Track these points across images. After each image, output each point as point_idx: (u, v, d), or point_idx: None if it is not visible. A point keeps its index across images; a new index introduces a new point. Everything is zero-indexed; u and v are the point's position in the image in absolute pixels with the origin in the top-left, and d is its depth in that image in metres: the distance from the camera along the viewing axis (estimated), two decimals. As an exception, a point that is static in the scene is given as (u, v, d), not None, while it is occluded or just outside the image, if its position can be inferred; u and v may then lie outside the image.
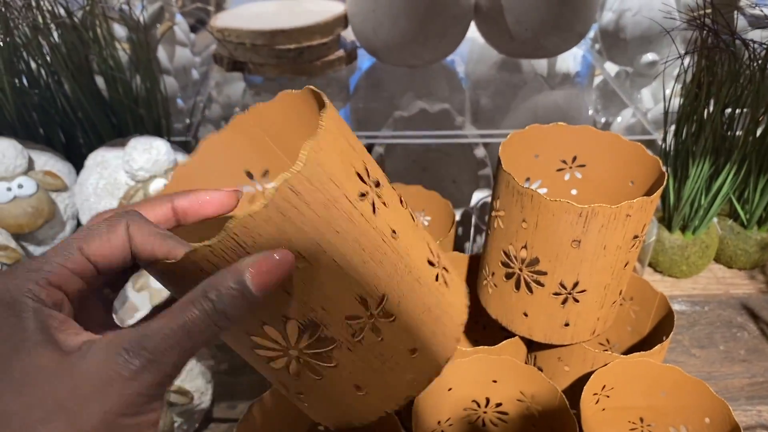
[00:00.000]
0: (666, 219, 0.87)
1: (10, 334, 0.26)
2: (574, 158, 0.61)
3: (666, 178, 0.53)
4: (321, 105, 0.33)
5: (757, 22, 0.87)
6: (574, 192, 0.63)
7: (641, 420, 0.61)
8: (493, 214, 0.56)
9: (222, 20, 0.93)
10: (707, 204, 0.82)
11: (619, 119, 0.97)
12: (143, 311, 0.69)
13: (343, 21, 0.95)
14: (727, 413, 0.53)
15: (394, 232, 0.35)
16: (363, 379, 0.36)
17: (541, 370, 0.64)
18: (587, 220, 0.49)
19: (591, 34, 1.07)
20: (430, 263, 0.38)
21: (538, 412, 0.58)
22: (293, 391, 0.37)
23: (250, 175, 0.42)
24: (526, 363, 0.65)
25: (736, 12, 0.91)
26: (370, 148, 0.97)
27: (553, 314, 0.56)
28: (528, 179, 0.63)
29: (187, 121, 0.91)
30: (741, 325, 0.84)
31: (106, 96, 0.78)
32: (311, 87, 0.35)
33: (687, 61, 0.72)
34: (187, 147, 0.82)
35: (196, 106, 0.93)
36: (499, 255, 0.56)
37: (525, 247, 0.53)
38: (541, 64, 1.10)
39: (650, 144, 0.85)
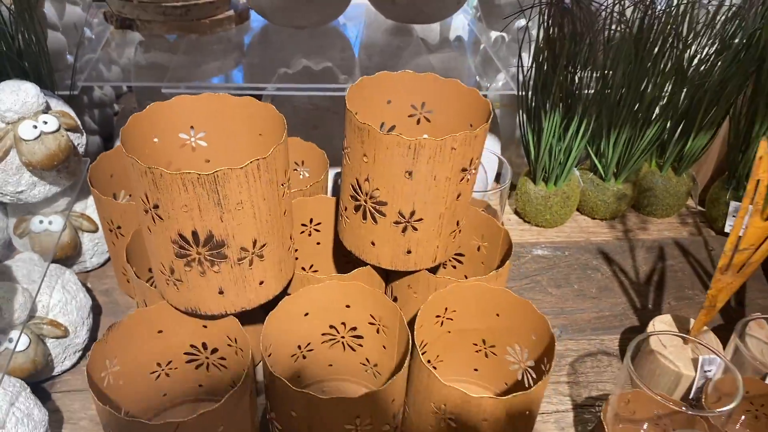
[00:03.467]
0: (531, 172, 0.94)
1: None
2: (423, 104, 0.67)
3: (491, 116, 0.59)
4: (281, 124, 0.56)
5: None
6: (425, 137, 0.69)
7: (484, 342, 0.68)
8: (343, 151, 0.61)
9: (112, -23, 0.95)
10: (564, 156, 0.89)
11: (496, 83, 1.03)
12: (25, 253, 0.72)
13: (232, -19, 0.98)
14: (546, 328, 0.60)
15: (285, 212, 0.57)
16: (226, 286, 0.56)
17: (396, 299, 0.70)
18: (416, 152, 0.55)
19: (475, 2, 1.13)
20: (290, 238, 0.61)
21: (386, 332, 0.64)
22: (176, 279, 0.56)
23: (192, 128, 0.62)
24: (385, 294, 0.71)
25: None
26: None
27: (396, 242, 0.61)
28: (383, 124, 0.68)
29: (79, 78, 0.93)
30: (596, 267, 0.92)
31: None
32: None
33: (536, 22, 0.79)
34: (71, 101, 0.84)
35: (87, 62, 0.95)
36: (348, 189, 0.61)
37: (367, 179, 0.58)
38: (433, 32, 1.16)
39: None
